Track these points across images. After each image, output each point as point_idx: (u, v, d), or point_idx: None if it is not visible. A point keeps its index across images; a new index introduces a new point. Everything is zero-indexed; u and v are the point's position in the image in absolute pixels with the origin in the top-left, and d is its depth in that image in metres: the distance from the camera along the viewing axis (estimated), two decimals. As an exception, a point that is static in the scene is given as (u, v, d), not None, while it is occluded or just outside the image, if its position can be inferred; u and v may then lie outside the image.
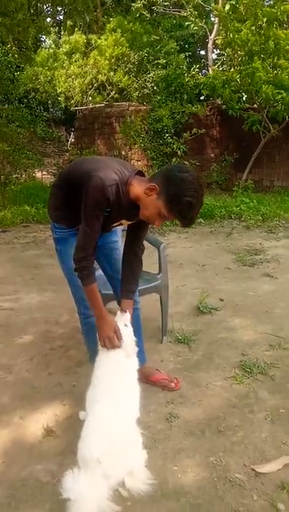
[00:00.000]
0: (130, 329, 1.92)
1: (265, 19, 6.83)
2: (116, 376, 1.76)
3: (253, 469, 1.75)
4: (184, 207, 1.69)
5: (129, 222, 2.03)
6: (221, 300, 3.47)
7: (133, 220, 1.98)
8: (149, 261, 3.29)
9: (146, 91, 9.45)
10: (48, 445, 1.92)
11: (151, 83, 9.37)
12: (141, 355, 2.08)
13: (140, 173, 1.88)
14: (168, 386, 2.30)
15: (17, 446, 1.92)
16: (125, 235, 2.12)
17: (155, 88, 9.14)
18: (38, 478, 1.73)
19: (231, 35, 7.13)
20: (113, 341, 1.84)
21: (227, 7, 7.51)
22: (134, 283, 2.09)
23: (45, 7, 6.89)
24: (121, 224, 2.05)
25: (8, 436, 1.98)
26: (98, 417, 1.66)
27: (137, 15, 11.45)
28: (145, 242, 2.15)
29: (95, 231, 1.81)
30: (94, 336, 1.94)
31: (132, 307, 2.06)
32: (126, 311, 1.96)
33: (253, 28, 7.01)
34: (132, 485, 1.62)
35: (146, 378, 2.24)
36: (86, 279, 1.84)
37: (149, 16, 12.04)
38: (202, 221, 6.31)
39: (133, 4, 11.46)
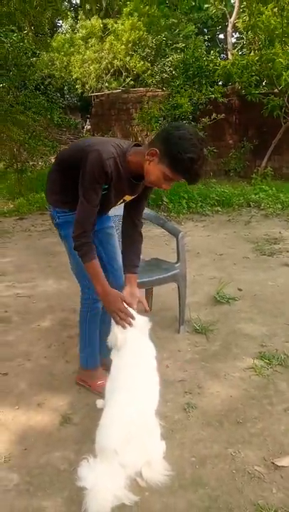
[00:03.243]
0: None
1: (288, 1, 6.61)
2: (135, 366, 1.74)
3: (273, 462, 1.73)
4: (186, 164, 1.66)
5: (132, 197, 1.99)
6: (240, 290, 3.42)
7: (135, 194, 1.96)
8: (166, 249, 3.28)
9: (164, 75, 9.27)
10: (66, 432, 1.93)
11: (169, 67, 9.18)
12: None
13: (138, 146, 1.86)
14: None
15: (36, 433, 1.93)
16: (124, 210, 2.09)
17: (174, 73, 8.96)
18: (56, 466, 1.74)
19: (254, 19, 6.93)
20: (126, 311, 1.82)
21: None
22: (137, 257, 2.07)
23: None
24: (124, 200, 2.01)
25: (27, 423, 1.99)
26: (117, 407, 1.65)
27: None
28: (163, 231, 2.12)
29: (94, 205, 1.78)
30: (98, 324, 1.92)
31: (136, 281, 2.03)
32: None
33: (276, 10, 6.80)
34: (149, 475, 1.61)
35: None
36: (87, 255, 1.81)
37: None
38: (220, 209, 6.22)
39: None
